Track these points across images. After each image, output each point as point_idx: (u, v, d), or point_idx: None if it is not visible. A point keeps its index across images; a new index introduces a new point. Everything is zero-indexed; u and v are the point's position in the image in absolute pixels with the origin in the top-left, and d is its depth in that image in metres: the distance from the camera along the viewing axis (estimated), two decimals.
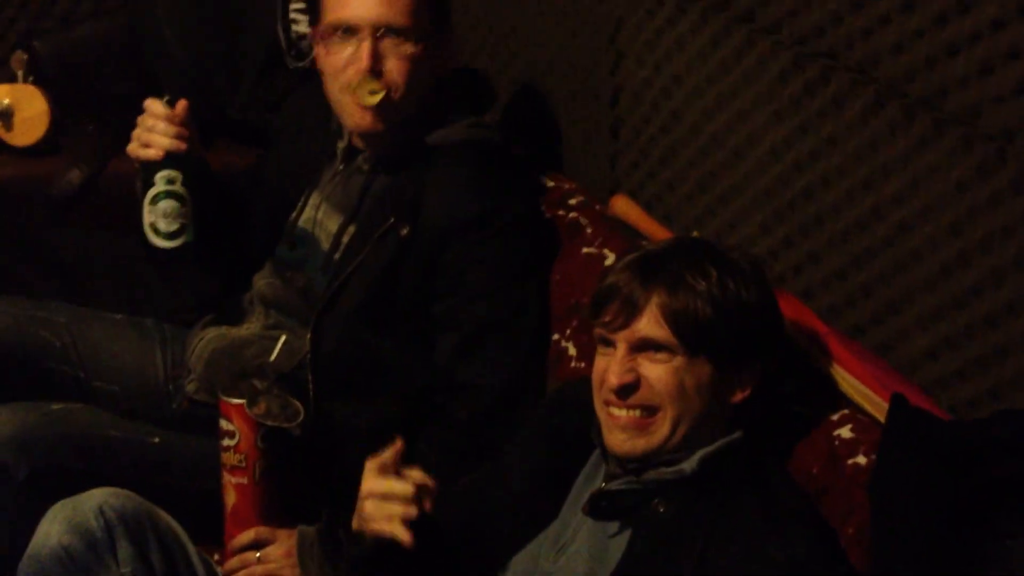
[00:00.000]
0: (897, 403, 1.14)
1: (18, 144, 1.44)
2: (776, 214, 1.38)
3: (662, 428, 1.15)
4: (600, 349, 1.19)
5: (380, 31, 1.47)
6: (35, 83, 1.48)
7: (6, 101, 1.43)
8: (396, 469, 1.16)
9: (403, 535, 1.12)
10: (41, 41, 2.04)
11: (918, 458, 1.08)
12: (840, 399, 1.23)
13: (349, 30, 1.47)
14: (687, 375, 1.14)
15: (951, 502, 1.05)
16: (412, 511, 1.13)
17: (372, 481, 1.16)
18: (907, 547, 1.06)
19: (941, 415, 1.15)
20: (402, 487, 1.14)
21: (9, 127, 1.43)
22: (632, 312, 1.15)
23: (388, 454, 1.17)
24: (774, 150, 1.38)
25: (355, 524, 1.19)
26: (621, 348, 1.16)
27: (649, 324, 1.15)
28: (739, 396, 1.17)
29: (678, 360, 1.14)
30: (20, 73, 1.41)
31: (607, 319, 1.17)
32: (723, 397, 1.17)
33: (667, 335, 1.14)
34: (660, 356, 1.15)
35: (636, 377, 1.15)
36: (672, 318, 1.14)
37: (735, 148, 1.44)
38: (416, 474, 1.16)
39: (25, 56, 1.42)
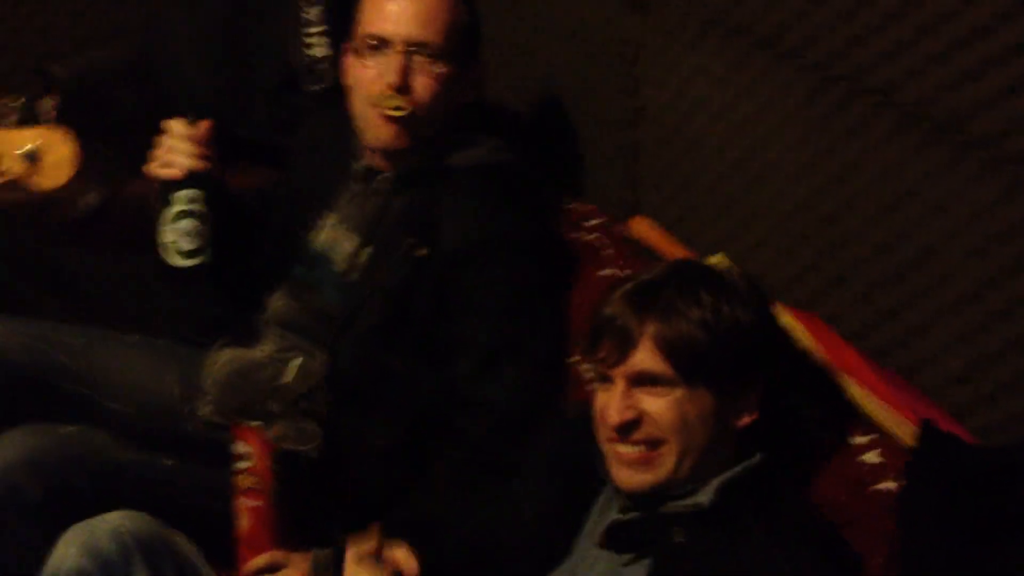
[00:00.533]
0: (926, 428, 1.13)
1: (44, 188, 1.44)
2: (800, 237, 1.37)
3: (668, 461, 1.13)
4: (599, 385, 1.17)
5: (412, 47, 1.48)
6: (58, 118, 1.48)
7: (33, 145, 1.43)
8: (377, 558, 1.14)
9: None
10: (58, 64, 2.05)
11: (947, 484, 1.07)
12: (866, 424, 1.21)
13: (382, 43, 1.49)
14: (689, 406, 1.12)
15: (981, 528, 1.03)
16: None
17: (353, 571, 1.14)
18: (936, 574, 1.04)
19: (969, 440, 1.13)
20: None
21: (35, 170, 1.43)
22: (627, 345, 1.13)
23: (367, 544, 1.16)
24: (797, 173, 1.37)
25: None
26: (619, 384, 1.14)
27: (645, 357, 1.13)
28: (746, 419, 1.15)
29: (678, 392, 1.12)
30: (48, 118, 1.42)
31: (602, 355, 1.15)
32: (729, 423, 1.14)
33: (664, 367, 1.12)
34: (659, 389, 1.13)
35: (637, 413, 1.13)
36: (668, 349, 1.12)
37: (758, 172, 1.43)
38: (399, 555, 1.14)
39: (52, 102, 1.42)
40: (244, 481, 1.40)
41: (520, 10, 1.83)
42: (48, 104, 1.40)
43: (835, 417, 1.23)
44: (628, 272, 1.50)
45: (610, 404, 1.14)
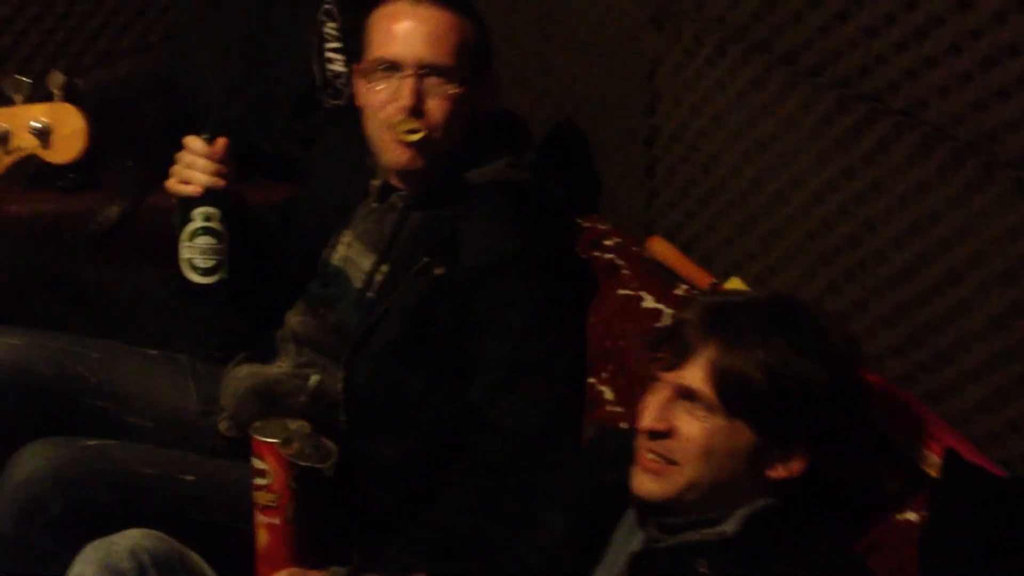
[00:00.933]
0: (951, 458, 1.11)
1: (57, 161, 1.44)
2: (820, 259, 1.36)
3: (677, 481, 1.11)
4: (651, 384, 1.16)
5: (424, 70, 1.47)
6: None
7: (44, 120, 1.43)
8: None
9: None
10: (81, 78, 2.06)
11: (971, 515, 1.05)
12: (890, 452, 1.19)
13: (393, 67, 1.48)
14: (721, 438, 1.10)
15: (1005, 561, 1.01)
16: None
17: None
18: None
19: (995, 471, 1.12)
20: None
21: (47, 145, 1.43)
22: (683, 357, 1.12)
23: None
24: (818, 194, 1.36)
25: None
26: (664, 391, 1.13)
27: (695, 375, 1.11)
28: (781, 473, 1.11)
29: (716, 420, 1.10)
30: (58, 93, 1.42)
31: (661, 356, 1.14)
32: (760, 469, 1.11)
33: (709, 392, 1.10)
34: (698, 411, 1.11)
35: (669, 427, 1.11)
36: (719, 376, 1.10)
37: (777, 191, 1.42)
38: None
39: (63, 77, 1.42)
40: (262, 498, 1.39)
41: (537, 26, 1.83)
42: (59, 79, 1.40)
43: (860, 446, 1.19)
44: (643, 293, 1.49)
45: (648, 407, 1.13)
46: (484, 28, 1.54)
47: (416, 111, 1.47)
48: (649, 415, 1.13)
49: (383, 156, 1.52)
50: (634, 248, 1.59)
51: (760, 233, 1.45)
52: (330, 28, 1.98)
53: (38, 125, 1.42)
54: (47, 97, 1.42)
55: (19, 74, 1.48)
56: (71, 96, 1.43)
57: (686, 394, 1.12)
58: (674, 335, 1.14)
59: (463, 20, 1.50)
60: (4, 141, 1.42)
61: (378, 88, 1.49)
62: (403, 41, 1.47)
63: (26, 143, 1.43)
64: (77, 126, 1.44)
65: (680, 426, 1.11)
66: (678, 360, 1.12)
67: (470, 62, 1.50)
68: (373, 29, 1.52)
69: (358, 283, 1.56)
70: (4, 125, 1.42)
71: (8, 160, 1.43)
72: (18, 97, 1.42)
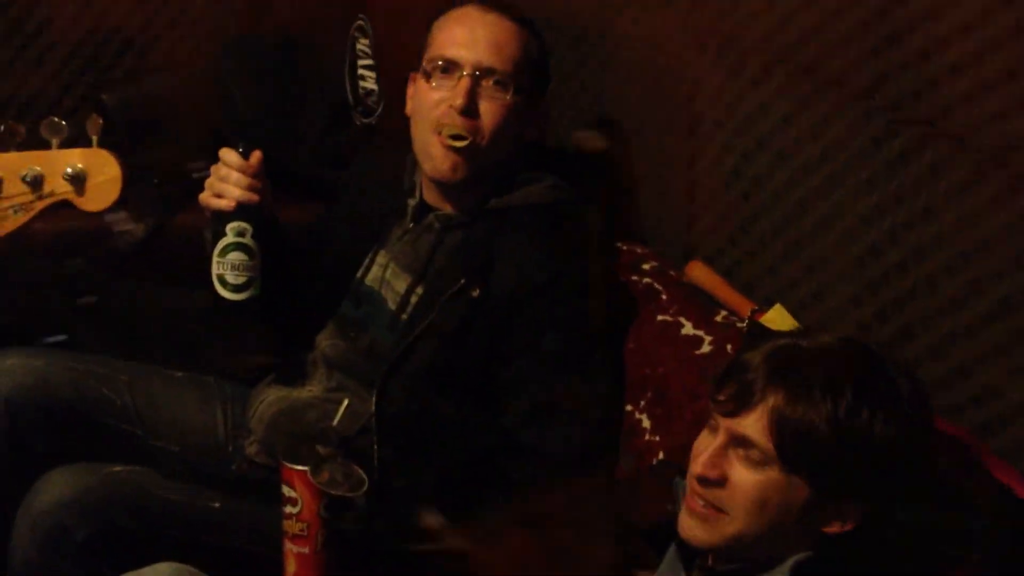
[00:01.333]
0: (1001, 494, 1.07)
1: (89, 209, 1.42)
2: (867, 287, 1.33)
3: (724, 531, 1.07)
4: (707, 423, 1.12)
5: (481, 72, 1.47)
6: (105, 141, 1.47)
7: (79, 165, 1.41)
8: None
9: None
10: (109, 94, 2.05)
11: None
12: (949, 503, 1.14)
13: (451, 66, 1.47)
14: (775, 492, 1.05)
15: None
16: None
17: None
18: None
19: None
20: None
21: (81, 192, 1.41)
22: (744, 404, 1.07)
23: None
24: (866, 219, 1.33)
25: None
26: (721, 437, 1.08)
27: (754, 424, 1.06)
28: (836, 528, 1.06)
29: (771, 472, 1.05)
30: (95, 138, 1.40)
31: (721, 398, 1.09)
32: (815, 525, 1.06)
33: (767, 444, 1.05)
34: (754, 460, 1.06)
35: (721, 475, 1.07)
36: (779, 427, 1.04)
37: (823, 216, 1.39)
38: None
39: (101, 120, 1.40)
40: (291, 526, 1.36)
41: (578, 48, 1.80)
42: (96, 123, 1.38)
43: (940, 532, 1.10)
44: (682, 319, 1.46)
45: (702, 453, 1.09)
46: (545, 51, 1.54)
47: (468, 111, 1.45)
48: (702, 461, 1.08)
49: (426, 164, 1.50)
50: (673, 272, 1.56)
51: (805, 259, 1.42)
52: (362, 45, 1.97)
53: (73, 171, 1.40)
54: (82, 142, 1.39)
55: (55, 116, 1.45)
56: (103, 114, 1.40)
57: (742, 442, 1.07)
58: (736, 378, 1.08)
59: (527, 34, 1.51)
60: (37, 185, 1.39)
61: (432, 88, 1.48)
62: (464, 42, 1.47)
63: (59, 188, 1.41)
64: (113, 174, 1.41)
65: (733, 475, 1.07)
66: (738, 407, 1.07)
67: (527, 76, 1.49)
68: (437, 31, 1.51)
69: (392, 305, 1.54)
70: (38, 169, 1.39)
71: (40, 205, 1.40)
72: (54, 140, 1.40)
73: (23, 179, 1.38)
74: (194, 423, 1.61)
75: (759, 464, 1.06)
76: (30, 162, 1.38)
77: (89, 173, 1.38)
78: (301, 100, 2.06)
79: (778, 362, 1.08)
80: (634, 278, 1.57)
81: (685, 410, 1.40)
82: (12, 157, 1.38)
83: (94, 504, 1.40)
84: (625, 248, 1.63)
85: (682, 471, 1.14)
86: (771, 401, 1.06)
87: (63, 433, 1.54)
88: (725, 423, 1.09)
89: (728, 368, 1.10)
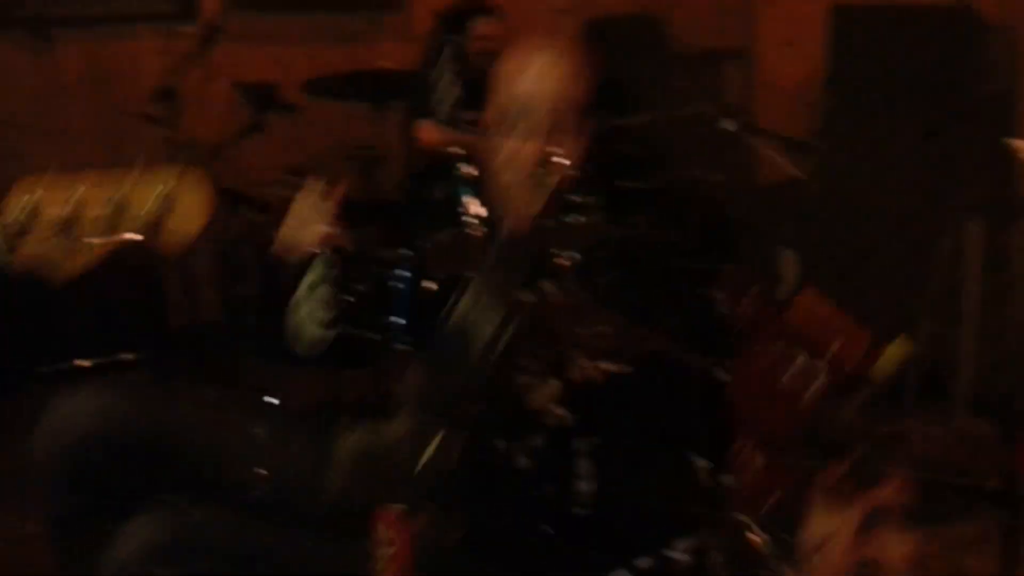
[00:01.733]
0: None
1: (177, 235, 1.29)
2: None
3: None
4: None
5: (557, 109, 1.43)
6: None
7: (171, 185, 1.29)
8: None
9: None
10: None
11: None
12: None
13: (526, 109, 1.44)
14: None
15: None
16: None
17: None
18: None
19: None
20: None
21: (169, 216, 1.29)
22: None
23: None
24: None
25: None
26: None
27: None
28: None
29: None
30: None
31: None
32: None
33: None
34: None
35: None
36: None
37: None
38: None
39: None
40: (385, 570, 1.30)
41: None
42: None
43: None
44: (793, 351, 1.36)
45: None
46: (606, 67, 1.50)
47: (552, 152, 1.41)
48: None
49: (512, 204, 1.45)
50: (779, 302, 1.47)
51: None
52: (446, 55, 1.92)
53: (162, 193, 1.26)
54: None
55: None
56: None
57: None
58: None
59: (590, 57, 1.47)
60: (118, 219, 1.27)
61: (510, 134, 1.44)
62: (536, 82, 1.44)
63: (148, 213, 1.26)
64: (201, 197, 1.28)
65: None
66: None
67: (599, 97, 1.46)
68: (504, 73, 1.48)
69: (480, 342, 1.47)
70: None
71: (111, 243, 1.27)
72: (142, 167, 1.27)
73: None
74: (279, 458, 1.56)
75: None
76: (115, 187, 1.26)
77: (178, 196, 1.27)
78: None
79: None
80: (740, 306, 1.48)
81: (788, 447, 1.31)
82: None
83: (178, 552, 1.36)
84: (729, 275, 1.54)
85: None
86: None
87: (143, 472, 1.49)
88: None
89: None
